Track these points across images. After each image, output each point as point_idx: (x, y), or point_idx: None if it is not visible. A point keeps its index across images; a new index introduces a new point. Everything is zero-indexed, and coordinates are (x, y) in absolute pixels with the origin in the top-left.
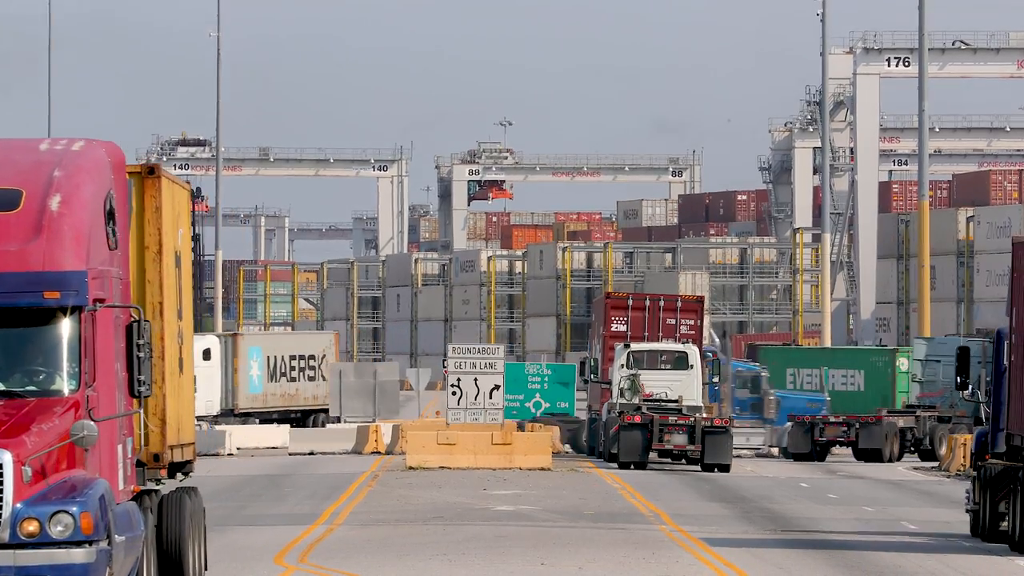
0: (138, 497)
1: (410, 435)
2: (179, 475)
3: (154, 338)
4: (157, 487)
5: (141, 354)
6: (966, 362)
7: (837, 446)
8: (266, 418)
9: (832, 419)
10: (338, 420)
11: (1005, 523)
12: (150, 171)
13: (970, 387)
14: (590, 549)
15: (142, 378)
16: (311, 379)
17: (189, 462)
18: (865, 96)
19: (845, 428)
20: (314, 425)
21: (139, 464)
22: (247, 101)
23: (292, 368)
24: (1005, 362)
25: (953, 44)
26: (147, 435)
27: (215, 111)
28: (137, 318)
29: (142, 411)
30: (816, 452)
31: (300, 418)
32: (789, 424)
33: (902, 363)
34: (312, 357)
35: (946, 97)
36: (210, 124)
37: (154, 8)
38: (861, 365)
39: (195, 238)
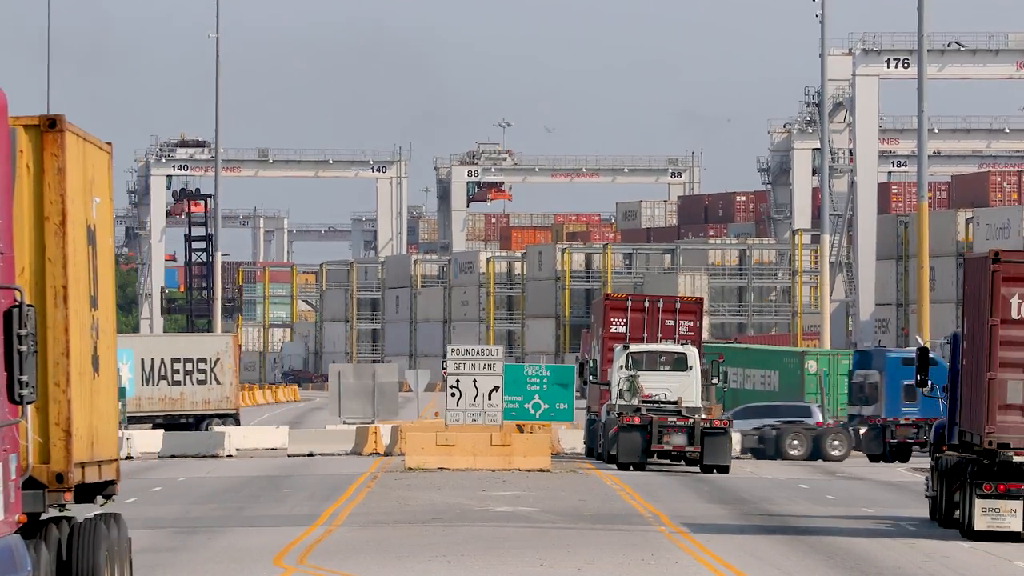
0: (38, 527)
1: (409, 436)
2: (99, 499)
3: (56, 330)
4: (64, 514)
5: (23, 348)
6: (925, 362)
7: (916, 448)
8: (155, 424)
9: (902, 421)
10: (236, 422)
11: (958, 512)
12: (51, 124)
13: (929, 383)
14: (589, 550)
15: (24, 379)
16: (201, 382)
17: (111, 483)
18: (864, 97)
19: (915, 430)
20: (207, 430)
21: (37, 486)
22: (246, 102)
23: (175, 371)
24: (959, 364)
25: (949, 45)
26: (48, 450)
27: (214, 112)
28: (18, 301)
29: (28, 420)
30: (891, 453)
31: (192, 423)
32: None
33: (810, 365)
34: (203, 360)
35: (945, 98)
36: (209, 125)
37: (154, 8)
38: (775, 366)
39: (207, 238)
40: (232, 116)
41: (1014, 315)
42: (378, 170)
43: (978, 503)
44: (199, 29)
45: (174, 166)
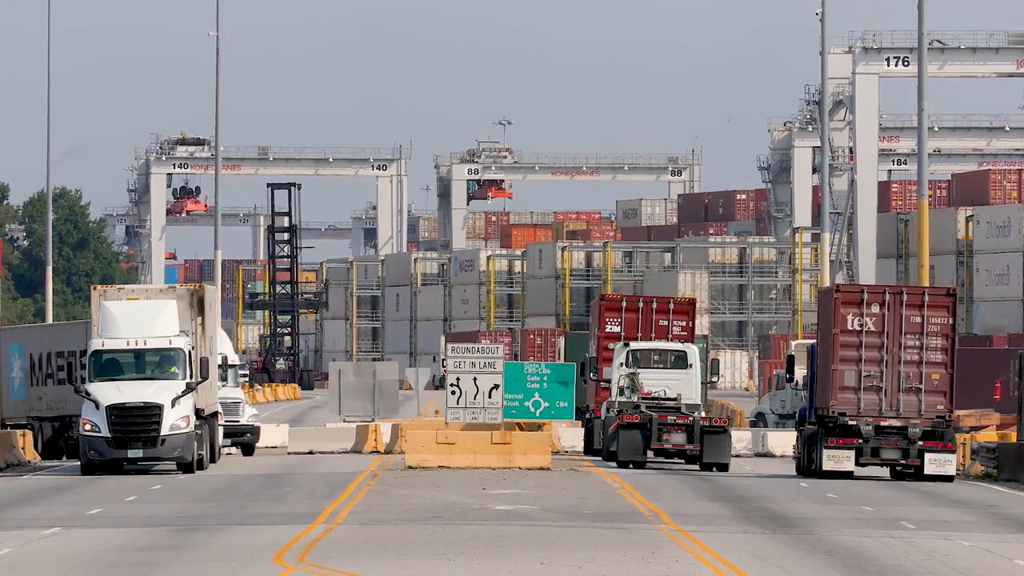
0: None
1: (409, 434)
2: None
3: None
4: None
5: None
6: (792, 363)
7: None
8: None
9: None
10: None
11: (813, 465)
12: None
13: (795, 379)
14: (589, 549)
15: None
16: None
17: None
18: (864, 95)
19: None
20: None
21: None
22: (247, 100)
23: (59, 368)
24: (816, 365)
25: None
26: None
27: (214, 110)
28: None
29: None
30: None
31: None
32: None
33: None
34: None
35: (946, 97)
36: (209, 123)
37: (153, 8)
38: None
39: (291, 229)
40: (232, 114)
41: (848, 327)
42: (378, 168)
43: (825, 452)
44: (199, 27)
45: (174, 164)
